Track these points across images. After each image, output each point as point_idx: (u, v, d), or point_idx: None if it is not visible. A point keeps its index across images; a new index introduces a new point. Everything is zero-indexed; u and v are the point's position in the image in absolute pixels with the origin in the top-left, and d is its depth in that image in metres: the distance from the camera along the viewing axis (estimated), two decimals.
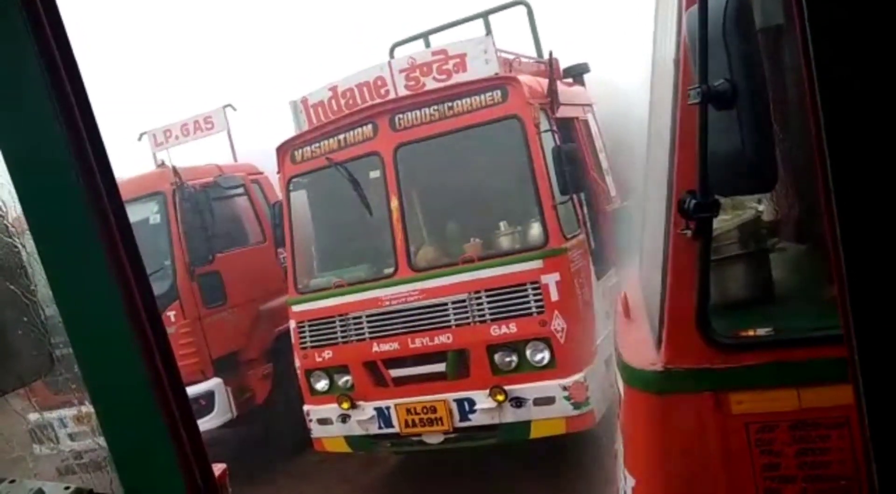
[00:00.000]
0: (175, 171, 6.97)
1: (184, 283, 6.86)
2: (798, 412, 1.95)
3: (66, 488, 1.19)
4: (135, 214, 7.00)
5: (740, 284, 2.30)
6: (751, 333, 2.08)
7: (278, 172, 6.30)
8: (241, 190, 7.86)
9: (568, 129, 6.10)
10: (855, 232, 1.06)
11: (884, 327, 1.07)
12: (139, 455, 1.17)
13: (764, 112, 1.68)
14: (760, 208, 2.96)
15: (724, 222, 2.37)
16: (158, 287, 6.73)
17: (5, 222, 1.32)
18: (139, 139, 8.85)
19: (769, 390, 1.98)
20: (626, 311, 2.92)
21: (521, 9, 7.33)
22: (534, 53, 7.23)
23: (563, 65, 6.98)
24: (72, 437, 6.00)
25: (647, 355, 2.23)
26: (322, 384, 5.84)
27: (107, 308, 1.14)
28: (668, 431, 2.14)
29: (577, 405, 4.96)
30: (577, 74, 7.17)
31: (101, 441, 1.22)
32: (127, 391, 1.15)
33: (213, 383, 6.92)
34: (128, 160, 8.26)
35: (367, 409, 5.57)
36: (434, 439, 5.43)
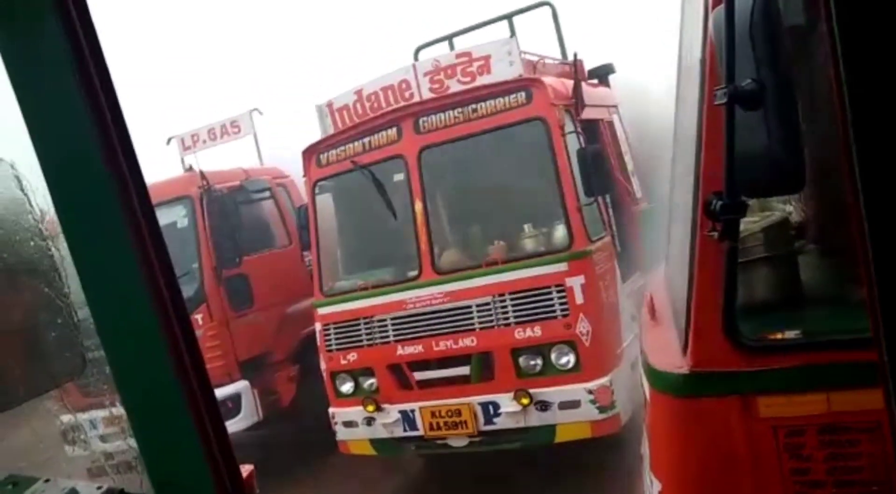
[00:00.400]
0: (202, 174, 7.06)
1: (211, 286, 6.94)
2: (828, 415, 1.92)
3: (98, 487, 1.22)
4: (163, 217, 7.11)
5: (768, 286, 2.27)
6: (778, 336, 2.06)
7: (304, 176, 6.35)
8: (267, 194, 7.94)
9: (593, 130, 6.07)
10: (884, 233, 1.04)
11: None
12: (169, 455, 1.19)
13: (792, 112, 1.66)
14: (788, 209, 2.92)
15: (751, 223, 2.34)
16: (186, 290, 6.81)
17: (40, 225, 1.35)
18: (167, 143, 8.97)
19: (798, 394, 1.96)
20: (652, 313, 2.90)
21: (546, 10, 7.32)
22: (558, 55, 7.21)
23: (587, 66, 6.95)
24: (103, 439, 6.12)
25: (673, 358, 2.21)
26: (347, 387, 5.86)
27: (137, 311, 1.16)
28: (695, 435, 2.12)
29: (602, 409, 4.93)
30: (602, 75, 7.14)
31: (132, 442, 1.24)
32: (156, 392, 1.17)
33: (240, 385, 6.99)
34: (156, 164, 8.39)
35: (392, 412, 5.58)
36: (459, 442, 5.43)
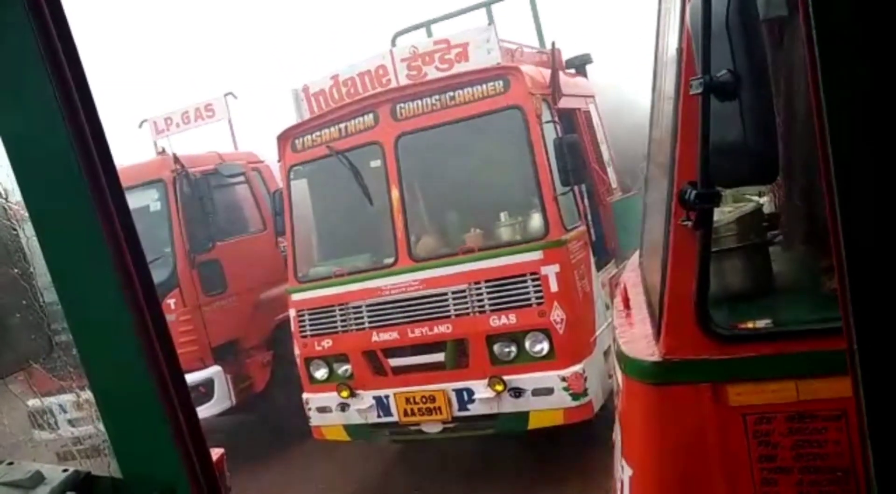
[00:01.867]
0: (176, 158, 6.96)
1: (184, 270, 6.86)
2: (795, 404, 1.95)
3: (64, 470, 1.20)
4: (135, 201, 7.01)
5: (740, 275, 2.30)
6: (749, 325, 2.08)
7: (279, 161, 6.29)
8: (241, 178, 7.85)
9: (570, 120, 6.09)
10: (856, 225, 1.05)
11: (884, 319, 1.07)
12: (137, 439, 1.17)
13: (766, 104, 1.67)
14: (761, 200, 2.96)
15: (724, 213, 2.37)
16: (158, 275, 6.74)
17: (4, 206, 1.32)
18: (140, 126, 8.83)
19: (767, 382, 1.99)
20: (625, 302, 2.92)
21: None
22: (536, 44, 7.21)
23: (565, 56, 6.95)
24: (71, 423, 6.01)
25: (646, 345, 2.23)
26: (321, 373, 5.85)
27: (106, 294, 1.14)
28: (666, 422, 2.14)
29: (575, 396, 4.97)
30: (579, 64, 7.15)
31: (101, 426, 1.22)
32: (126, 376, 1.15)
33: (213, 370, 6.94)
34: (129, 147, 8.26)
35: (366, 398, 5.58)
36: (433, 428, 5.45)
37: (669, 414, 2.13)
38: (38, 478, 1.15)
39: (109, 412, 1.18)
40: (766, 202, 3.03)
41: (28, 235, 1.26)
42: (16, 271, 1.30)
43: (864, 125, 1.03)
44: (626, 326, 2.64)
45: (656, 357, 2.11)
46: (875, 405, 1.08)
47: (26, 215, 1.31)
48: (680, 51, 2.07)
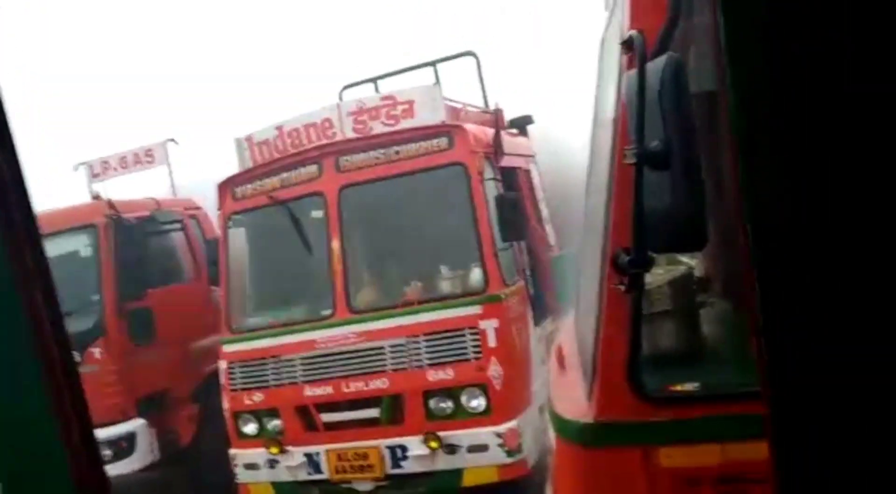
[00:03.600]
0: (110, 203, 6.78)
1: (111, 319, 6.61)
2: (722, 466, 1.98)
3: None
4: (66, 245, 6.77)
5: (671, 338, 2.35)
6: (679, 388, 2.12)
7: (218, 209, 6.20)
8: (177, 225, 7.68)
9: (511, 178, 6.21)
10: (773, 292, 1.10)
11: (799, 386, 1.10)
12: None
13: (696, 173, 1.74)
14: (692, 263, 3.05)
15: (657, 276, 2.43)
16: (85, 322, 6.48)
17: None
18: (75, 170, 8.60)
19: (697, 444, 2.01)
20: (560, 361, 2.94)
21: (470, 59, 7.50)
22: (480, 103, 7.38)
23: (508, 116, 7.14)
24: None
25: (578, 406, 2.24)
26: (250, 428, 5.66)
27: (15, 343, 1.09)
28: (598, 484, 2.14)
29: (510, 453, 4.94)
30: (521, 125, 7.34)
31: None
32: (28, 427, 1.10)
33: (136, 424, 6.63)
34: (63, 191, 8.01)
35: (297, 455, 5.42)
36: (365, 486, 5.31)
37: (601, 476, 2.13)
38: None
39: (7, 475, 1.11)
40: (697, 266, 3.12)
41: None
42: None
43: (778, 196, 1.09)
44: (560, 386, 2.65)
45: (589, 419, 2.12)
46: (787, 470, 1.11)
47: None
48: (616, 121, 2.15)
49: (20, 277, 1.07)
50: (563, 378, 2.74)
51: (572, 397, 2.39)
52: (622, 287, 1.95)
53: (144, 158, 8.51)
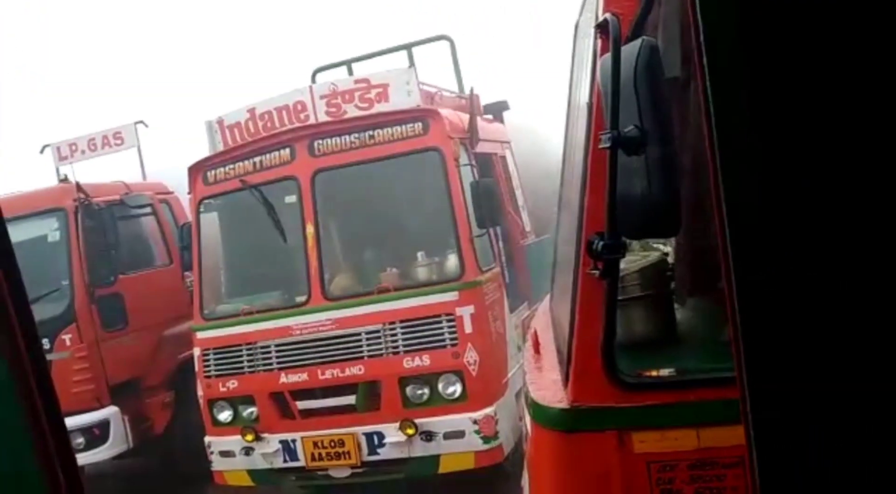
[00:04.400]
0: (79, 186, 6.64)
1: (82, 305, 6.50)
2: (697, 451, 1.99)
3: None
4: (32, 230, 6.63)
5: (645, 324, 2.36)
6: (653, 373, 2.13)
7: (189, 193, 6.10)
8: (148, 209, 7.55)
9: (486, 164, 6.19)
10: (747, 275, 1.09)
11: (774, 371, 1.11)
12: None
13: (670, 159, 1.74)
14: (666, 250, 3.06)
15: (631, 262, 2.43)
16: (54, 308, 6.37)
17: None
18: (41, 152, 8.42)
19: (670, 429, 2.03)
20: (535, 347, 2.95)
21: (445, 43, 7.44)
22: (456, 88, 7.34)
23: (483, 101, 7.10)
24: None
25: (554, 392, 2.25)
26: (225, 415, 5.62)
27: None
28: (573, 469, 2.15)
29: (486, 440, 4.95)
30: (496, 111, 7.31)
31: None
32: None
33: (109, 411, 6.55)
34: (29, 174, 7.85)
35: (273, 442, 5.39)
36: (341, 473, 5.30)
37: (576, 462, 2.14)
38: None
39: None
40: (671, 252, 3.14)
41: None
42: None
43: (754, 183, 1.08)
44: (535, 371, 2.65)
45: (564, 404, 2.12)
46: (764, 454, 1.11)
47: None
48: (590, 106, 2.14)
49: None
50: (538, 364, 2.74)
51: (548, 382, 2.39)
52: (596, 273, 1.95)
53: (113, 140, 8.37)
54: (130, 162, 8.44)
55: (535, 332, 3.16)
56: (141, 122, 8.41)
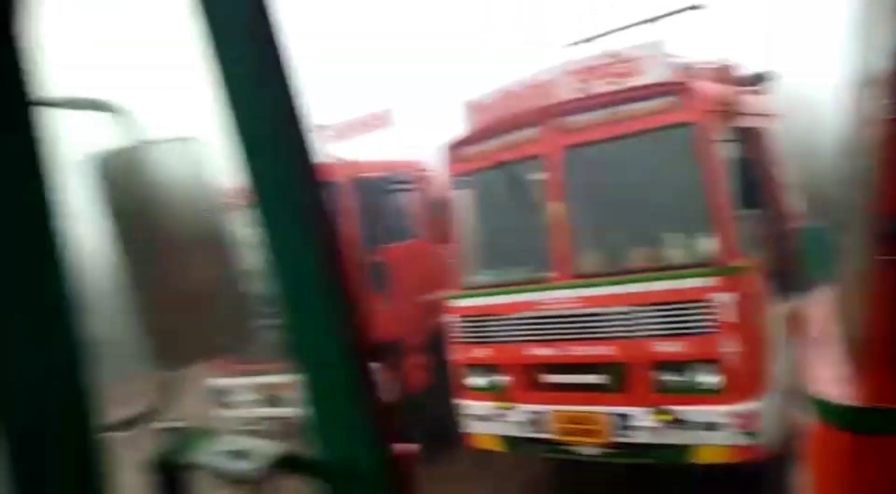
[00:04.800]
0: (355, 163, 7.42)
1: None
2: None
3: (270, 447, 1.28)
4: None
5: None
6: None
7: (449, 169, 6.45)
8: (409, 186, 8.20)
9: (748, 139, 5.75)
10: None
11: None
12: (341, 426, 1.25)
13: None
14: None
15: None
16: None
17: (223, 201, 1.44)
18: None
19: None
20: (814, 341, 2.71)
21: (699, 13, 6.99)
22: (712, 59, 6.88)
23: (746, 72, 6.58)
24: (250, 404, 6.52)
25: (841, 389, 2.05)
26: (476, 381, 5.90)
27: (313, 287, 1.23)
28: (860, 473, 1.96)
29: (744, 435, 4.64)
30: (760, 82, 6.74)
31: (290, 410, 1.32)
32: (329, 369, 1.24)
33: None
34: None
35: (523, 411, 5.55)
36: (589, 450, 5.30)
37: (865, 465, 1.94)
38: (249, 452, 1.24)
39: (316, 399, 1.26)
40: None
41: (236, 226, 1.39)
42: (228, 262, 1.40)
43: None
44: (817, 366, 2.44)
45: (854, 403, 1.93)
46: None
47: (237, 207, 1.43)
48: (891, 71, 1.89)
49: (318, 232, 1.21)
50: (820, 359, 2.51)
51: (833, 378, 2.19)
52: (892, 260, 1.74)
53: (374, 122, 9.08)
54: (375, 142, 9.06)
55: (813, 324, 2.90)
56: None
